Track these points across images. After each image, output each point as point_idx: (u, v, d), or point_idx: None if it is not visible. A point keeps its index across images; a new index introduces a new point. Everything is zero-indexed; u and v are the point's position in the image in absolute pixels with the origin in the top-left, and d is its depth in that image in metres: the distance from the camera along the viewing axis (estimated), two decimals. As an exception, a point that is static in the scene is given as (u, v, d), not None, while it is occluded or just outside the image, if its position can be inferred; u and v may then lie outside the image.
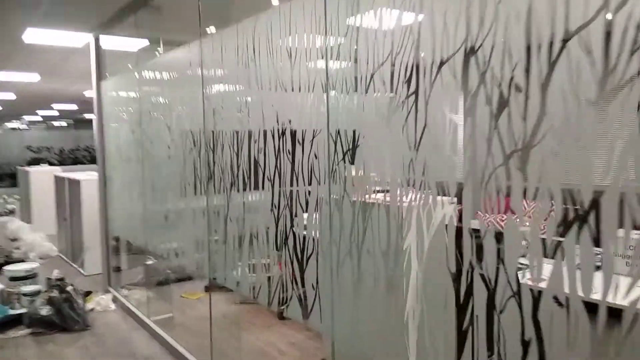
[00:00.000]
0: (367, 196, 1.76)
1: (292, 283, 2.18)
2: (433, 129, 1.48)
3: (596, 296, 1.12)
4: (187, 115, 3.09)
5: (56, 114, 15.30)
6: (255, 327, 3.86)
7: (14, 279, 4.24)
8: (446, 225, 1.46)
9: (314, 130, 2.01)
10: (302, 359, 3.31)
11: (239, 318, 4.13)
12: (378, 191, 1.74)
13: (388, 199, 1.67)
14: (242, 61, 2.43)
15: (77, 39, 4.76)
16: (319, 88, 1.94)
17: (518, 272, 1.28)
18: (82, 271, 5.59)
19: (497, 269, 1.33)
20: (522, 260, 1.27)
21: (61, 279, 4.27)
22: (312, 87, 1.98)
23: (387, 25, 1.61)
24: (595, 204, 1.12)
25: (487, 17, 1.30)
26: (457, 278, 1.44)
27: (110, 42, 4.65)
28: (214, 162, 2.78)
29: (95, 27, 4.50)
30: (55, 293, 3.96)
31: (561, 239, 1.18)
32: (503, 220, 1.30)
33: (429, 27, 1.46)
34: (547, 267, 1.22)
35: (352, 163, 1.83)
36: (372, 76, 1.69)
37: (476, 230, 1.42)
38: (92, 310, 4.29)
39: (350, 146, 1.81)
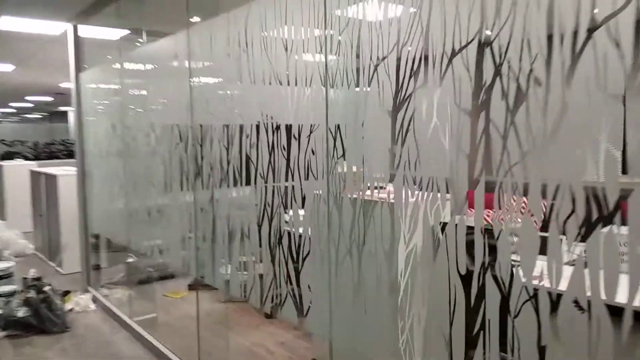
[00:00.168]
0: (361, 193, 1.69)
1: (286, 283, 2.09)
2: (442, 124, 1.41)
3: (621, 299, 1.06)
4: (173, 109, 2.97)
5: (30, 106, 14.83)
6: (242, 326, 3.76)
7: (-13, 278, 4.06)
8: (456, 225, 1.40)
9: (311, 125, 1.92)
10: (291, 360, 3.23)
11: (224, 317, 4.02)
12: (380, 187, 1.66)
13: (392, 196, 1.59)
14: (233, 52, 2.32)
15: (54, 26, 4.56)
16: (317, 81, 1.85)
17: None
18: (59, 270, 5.40)
19: (512, 271, 1.27)
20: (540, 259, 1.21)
21: (38, 279, 4.11)
22: (309, 79, 1.89)
23: (393, 13, 1.53)
24: (620, 203, 1.07)
25: (504, 5, 1.23)
26: (467, 280, 1.37)
27: (90, 31, 4.46)
28: (202, 157, 2.67)
29: (74, 16, 4.31)
30: (32, 293, 3.79)
31: (580, 242, 1.13)
32: (519, 220, 1.24)
33: (439, 16, 1.39)
34: (567, 269, 1.17)
35: (344, 159, 1.76)
36: (375, 68, 1.60)
37: (489, 230, 1.36)
38: (71, 310, 4.13)
39: (351, 142, 1.73)
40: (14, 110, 16.93)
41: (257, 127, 2.21)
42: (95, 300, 4.39)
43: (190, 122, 2.77)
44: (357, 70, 1.67)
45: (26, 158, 10.51)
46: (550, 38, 1.15)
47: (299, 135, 1.97)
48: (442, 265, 1.43)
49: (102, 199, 4.19)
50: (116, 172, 3.84)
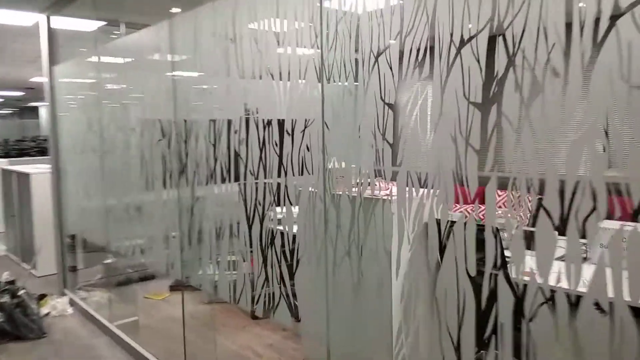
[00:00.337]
0: (359, 190, 1.61)
1: (279, 285, 2.00)
2: (449, 116, 1.34)
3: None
4: (154, 104, 2.83)
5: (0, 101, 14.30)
6: (227, 328, 3.65)
7: (-44, 283, 3.85)
8: (464, 223, 1.33)
9: (305, 120, 1.83)
10: (280, 361, 3.15)
11: (209, 319, 3.91)
12: (379, 184, 1.59)
13: (394, 194, 1.52)
14: (220, 44, 2.21)
15: (25, 17, 4.34)
16: (312, 74, 1.76)
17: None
18: (34, 272, 5.18)
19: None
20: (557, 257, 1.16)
21: (11, 282, 3.91)
22: (303, 72, 1.80)
23: (395, 1, 1.45)
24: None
25: (518, -8, 1.17)
26: (477, 281, 1.31)
27: (64, 22, 4.27)
28: (186, 154, 2.55)
29: (47, 6, 4.11)
30: (5, 298, 3.61)
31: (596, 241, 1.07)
32: (534, 219, 1.18)
33: (446, 2, 1.31)
34: (586, 269, 1.11)
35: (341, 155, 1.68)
36: (376, 59, 1.52)
37: (500, 230, 1.30)
38: (47, 315, 3.95)
39: (349, 137, 1.65)
40: (-18, 106, 16.32)
41: (247, 121, 2.11)
42: (72, 303, 4.22)
43: (173, 117, 2.65)
44: (356, 62, 1.59)
45: (-4, 156, 10.11)
46: (569, 26, 1.09)
47: (292, 131, 1.88)
48: (449, 266, 1.37)
49: (78, 197, 4.02)
50: (93, 170, 3.67)
